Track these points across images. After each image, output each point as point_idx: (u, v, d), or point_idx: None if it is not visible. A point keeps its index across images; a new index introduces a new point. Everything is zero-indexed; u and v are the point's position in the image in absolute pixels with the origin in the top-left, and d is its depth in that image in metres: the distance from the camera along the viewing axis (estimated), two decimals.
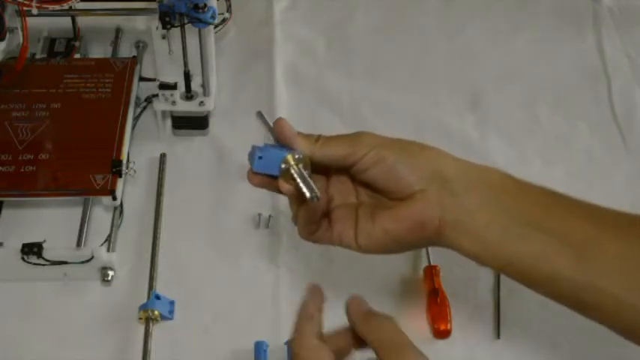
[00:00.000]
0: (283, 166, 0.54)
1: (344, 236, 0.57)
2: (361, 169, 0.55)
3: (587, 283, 0.51)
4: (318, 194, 0.53)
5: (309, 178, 0.54)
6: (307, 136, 0.56)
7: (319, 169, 0.57)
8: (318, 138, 0.56)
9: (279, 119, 0.56)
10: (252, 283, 0.81)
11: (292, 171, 0.54)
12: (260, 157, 0.55)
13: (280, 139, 0.56)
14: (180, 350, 0.75)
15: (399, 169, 0.54)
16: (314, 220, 0.57)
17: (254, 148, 0.56)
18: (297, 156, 0.54)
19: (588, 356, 0.77)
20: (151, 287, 0.78)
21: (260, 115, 0.59)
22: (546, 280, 0.53)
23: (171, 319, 0.77)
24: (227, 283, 0.80)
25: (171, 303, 0.78)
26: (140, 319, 0.76)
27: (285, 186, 0.55)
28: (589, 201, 0.55)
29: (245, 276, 0.81)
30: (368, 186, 0.57)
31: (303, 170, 0.54)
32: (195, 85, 0.90)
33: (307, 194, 0.53)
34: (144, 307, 0.76)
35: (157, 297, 0.77)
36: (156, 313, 0.76)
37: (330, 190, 0.59)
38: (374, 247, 0.57)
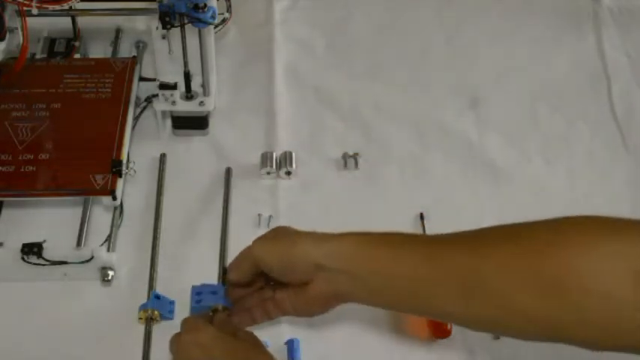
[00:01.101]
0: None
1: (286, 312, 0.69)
2: (267, 272, 0.66)
3: (440, 313, 0.63)
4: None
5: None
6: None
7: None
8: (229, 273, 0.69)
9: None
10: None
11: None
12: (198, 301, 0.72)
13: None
14: None
15: (286, 273, 0.65)
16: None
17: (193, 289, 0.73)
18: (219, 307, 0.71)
19: (588, 356, 0.77)
20: (151, 287, 0.78)
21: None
22: (420, 312, 0.66)
23: (171, 319, 0.77)
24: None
25: (172, 303, 0.77)
26: (140, 319, 0.76)
27: None
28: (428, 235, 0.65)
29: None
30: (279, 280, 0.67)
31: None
32: (195, 85, 0.90)
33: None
34: (144, 308, 0.76)
35: (157, 297, 0.77)
36: (156, 313, 0.76)
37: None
38: (310, 316, 0.68)
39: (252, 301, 0.70)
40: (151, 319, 0.76)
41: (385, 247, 0.62)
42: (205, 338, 0.63)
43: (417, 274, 0.60)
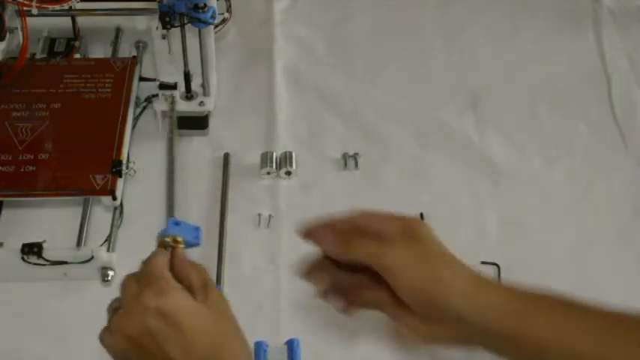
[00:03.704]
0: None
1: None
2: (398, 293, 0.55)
3: None
4: None
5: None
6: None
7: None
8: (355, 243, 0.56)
9: (316, 227, 0.57)
10: (252, 283, 0.81)
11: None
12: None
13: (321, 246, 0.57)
14: None
15: (417, 301, 0.54)
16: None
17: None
18: (167, 239, 0.58)
19: None
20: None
21: None
22: None
23: (198, 244, 0.61)
24: (227, 282, 0.80)
25: (197, 229, 0.61)
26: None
27: None
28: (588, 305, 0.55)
29: (245, 276, 0.81)
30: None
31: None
32: (195, 85, 0.90)
33: None
34: (162, 235, 0.60)
35: (177, 223, 0.61)
36: (179, 239, 0.59)
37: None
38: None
39: (345, 280, 0.59)
40: (173, 247, 0.59)
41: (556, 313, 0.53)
42: (175, 307, 0.52)
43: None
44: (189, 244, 0.59)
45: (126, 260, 0.81)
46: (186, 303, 0.53)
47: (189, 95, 0.90)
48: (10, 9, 0.81)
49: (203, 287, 0.55)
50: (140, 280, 0.54)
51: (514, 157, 0.93)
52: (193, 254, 0.82)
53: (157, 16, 0.83)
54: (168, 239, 0.58)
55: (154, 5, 0.84)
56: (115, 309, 0.55)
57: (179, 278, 0.55)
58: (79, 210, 0.84)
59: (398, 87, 1.00)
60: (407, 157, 0.93)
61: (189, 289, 0.54)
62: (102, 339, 0.54)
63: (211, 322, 0.53)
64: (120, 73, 0.92)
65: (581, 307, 0.53)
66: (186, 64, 0.88)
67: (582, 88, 1.01)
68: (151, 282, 0.53)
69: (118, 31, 1.01)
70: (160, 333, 0.51)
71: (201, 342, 0.52)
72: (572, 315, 0.53)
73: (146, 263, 0.56)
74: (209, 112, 0.92)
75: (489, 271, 0.80)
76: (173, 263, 0.56)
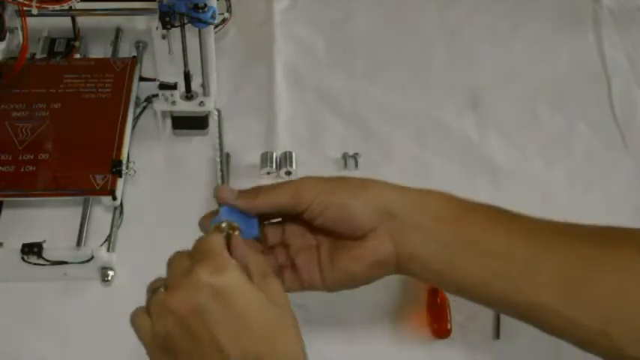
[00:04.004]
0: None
1: (312, 282, 0.58)
2: (310, 217, 0.55)
3: (534, 304, 0.52)
4: None
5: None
6: (247, 192, 0.56)
7: (271, 217, 0.58)
8: (259, 191, 0.56)
9: (217, 187, 0.57)
10: None
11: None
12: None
13: (221, 203, 0.56)
14: None
15: (347, 213, 0.54)
16: None
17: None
18: (223, 224, 0.55)
19: (588, 356, 0.77)
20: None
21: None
22: (496, 301, 0.54)
23: (256, 235, 0.57)
24: None
25: (253, 218, 0.57)
26: None
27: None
28: (531, 216, 0.55)
29: None
30: (322, 230, 0.56)
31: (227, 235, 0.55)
32: (195, 85, 0.90)
33: None
34: (216, 222, 0.56)
35: (231, 212, 0.57)
36: (234, 225, 0.56)
37: (288, 237, 0.59)
38: (340, 287, 0.57)
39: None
40: (229, 234, 0.55)
41: (484, 218, 0.54)
42: (231, 287, 0.47)
43: (516, 255, 0.52)
44: (246, 234, 0.56)
45: (126, 260, 0.81)
46: (244, 285, 0.48)
47: (189, 95, 0.90)
48: (10, 9, 0.81)
49: (262, 276, 0.50)
50: (194, 256, 0.50)
51: (514, 157, 0.93)
52: None
53: (157, 16, 0.83)
54: (223, 224, 0.55)
55: (154, 5, 0.84)
56: (154, 290, 0.50)
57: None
58: (79, 210, 0.84)
59: (398, 87, 1.00)
60: (407, 157, 0.93)
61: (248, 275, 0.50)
62: (134, 320, 0.50)
63: (268, 313, 0.48)
64: (120, 73, 0.92)
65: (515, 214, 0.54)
66: (186, 64, 0.88)
67: (582, 88, 1.01)
68: (206, 257, 0.49)
69: (118, 31, 1.01)
70: (209, 313, 0.46)
71: (254, 330, 0.47)
72: (506, 218, 0.54)
73: (201, 240, 0.52)
74: (209, 112, 0.92)
75: None
76: (231, 248, 0.52)
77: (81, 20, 0.97)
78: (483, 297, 0.54)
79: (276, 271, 0.56)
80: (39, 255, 0.77)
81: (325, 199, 0.54)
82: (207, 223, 0.56)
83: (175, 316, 0.47)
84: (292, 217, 0.57)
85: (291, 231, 0.59)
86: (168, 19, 0.82)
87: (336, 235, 0.56)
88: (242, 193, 0.56)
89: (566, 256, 0.52)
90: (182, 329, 0.47)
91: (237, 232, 0.55)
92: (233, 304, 0.47)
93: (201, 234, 0.83)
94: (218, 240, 0.52)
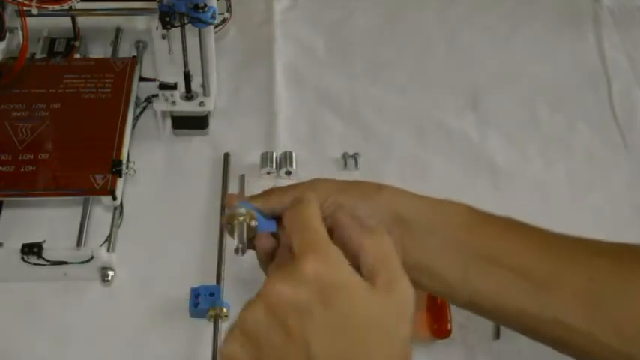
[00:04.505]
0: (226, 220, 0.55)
1: None
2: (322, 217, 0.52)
3: (551, 319, 0.51)
4: (242, 249, 0.53)
5: (244, 233, 0.54)
6: (260, 195, 0.55)
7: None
8: (272, 192, 0.55)
9: (228, 195, 0.57)
10: (252, 283, 0.80)
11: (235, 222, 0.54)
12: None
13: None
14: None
15: (356, 215, 0.51)
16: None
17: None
18: (242, 211, 0.54)
19: None
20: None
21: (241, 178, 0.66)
22: (511, 316, 0.52)
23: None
24: (227, 282, 0.80)
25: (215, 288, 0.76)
26: (210, 316, 0.75)
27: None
28: (549, 230, 0.55)
29: (245, 276, 0.81)
30: (331, 231, 0.52)
31: (245, 224, 0.54)
32: (195, 85, 0.90)
33: (235, 245, 0.54)
34: (212, 306, 0.75)
35: (197, 294, 0.76)
36: (224, 310, 0.75)
37: None
38: None
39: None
40: (219, 316, 0.75)
41: (502, 230, 0.52)
42: (337, 281, 0.40)
43: (534, 268, 0.50)
44: (262, 226, 0.54)
45: (126, 260, 0.81)
46: (354, 281, 0.42)
47: (189, 95, 0.90)
48: (10, 9, 0.81)
49: (381, 262, 0.45)
50: (293, 232, 0.45)
51: (514, 157, 0.93)
52: (194, 253, 0.82)
53: (157, 16, 0.83)
54: (242, 210, 0.53)
55: (154, 5, 0.84)
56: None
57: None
58: (79, 210, 0.84)
59: (398, 87, 1.00)
60: (407, 157, 0.93)
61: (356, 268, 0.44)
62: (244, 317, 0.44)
63: (383, 321, 0.41)
64: (120, 73, 0.92)
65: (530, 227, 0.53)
66: (186, 64, 0.88)
67: (582, 89, 1.01)
68: (305, 237, 0.44)
69: (118, 31, 1.01)
70: (306, 311, 0.40)
71: (354, 340, 0.39)
72: (524, 230, 0.53)
73: (296, 210, 0.47)
74: (209, 112, 0.92)
75: None
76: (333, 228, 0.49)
77: (81, 20, 0.97)
78: (496, 311, 0.52)
79: None
80: (39, 255, 0.77)
81: (336, 200, 0.53)
82: (232, 203, 0.54)
83: (272, 313, 0.42)
84: None
85: None
86: (168, 19, 0.82)
87: None
88: (254, 197, 0.56)
89: (588, 272, 0.51)
90: (278, 329, 0.41)
91: (253, 222, 0.54)
92: (335, 301, 0.40)
93: (201, 234, 0.84)
94: (315, 213, 0.47)
